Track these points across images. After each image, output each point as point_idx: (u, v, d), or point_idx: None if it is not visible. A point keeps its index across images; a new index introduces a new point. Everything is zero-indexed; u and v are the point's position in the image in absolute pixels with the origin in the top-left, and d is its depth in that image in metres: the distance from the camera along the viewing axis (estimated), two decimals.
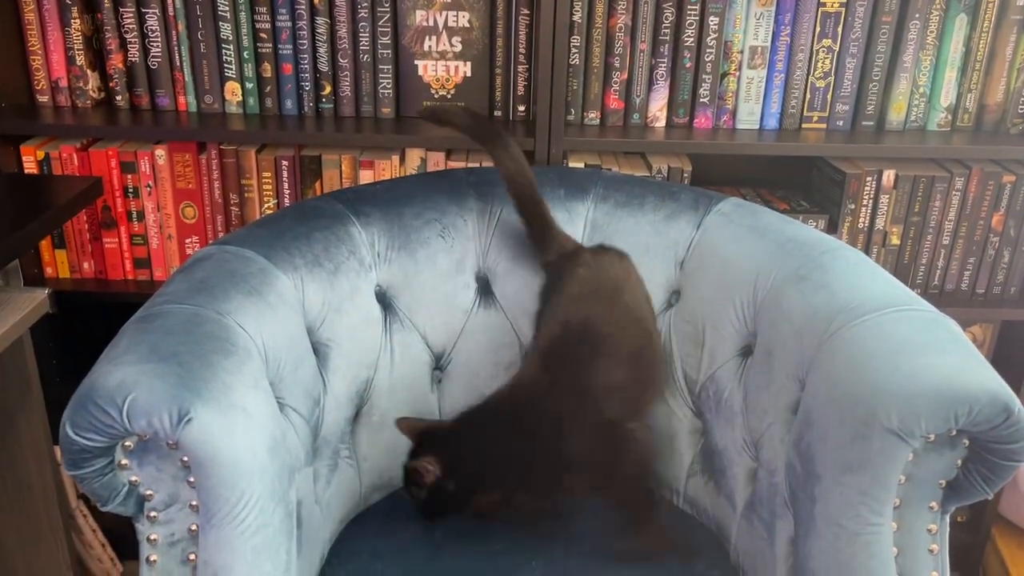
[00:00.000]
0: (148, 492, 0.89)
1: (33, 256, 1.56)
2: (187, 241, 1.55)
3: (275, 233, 1.14)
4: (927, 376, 0.88)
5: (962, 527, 1.73)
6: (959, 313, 1.44)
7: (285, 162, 1.50)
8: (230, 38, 1.48)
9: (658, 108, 1.51)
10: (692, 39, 1.46)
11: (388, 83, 1.51)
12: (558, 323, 1.12)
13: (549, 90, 1.42)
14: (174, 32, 1.49)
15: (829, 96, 1.50)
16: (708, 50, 1.46)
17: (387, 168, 1.50)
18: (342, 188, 1.47)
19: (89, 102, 1.54)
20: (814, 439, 0.95)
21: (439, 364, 1.28)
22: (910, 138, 1.50)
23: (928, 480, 0.91)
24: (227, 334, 0.95)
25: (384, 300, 1.23)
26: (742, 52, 1.48)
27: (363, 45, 1.49)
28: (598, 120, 1.52)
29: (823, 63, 1.48)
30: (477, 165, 1.47)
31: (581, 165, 1.49)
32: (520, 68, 1.50)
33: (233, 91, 1.52)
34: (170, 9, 1.47)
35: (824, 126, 1.52)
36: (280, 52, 1.49)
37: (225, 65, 1.50)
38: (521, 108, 1.53)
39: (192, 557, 0.90)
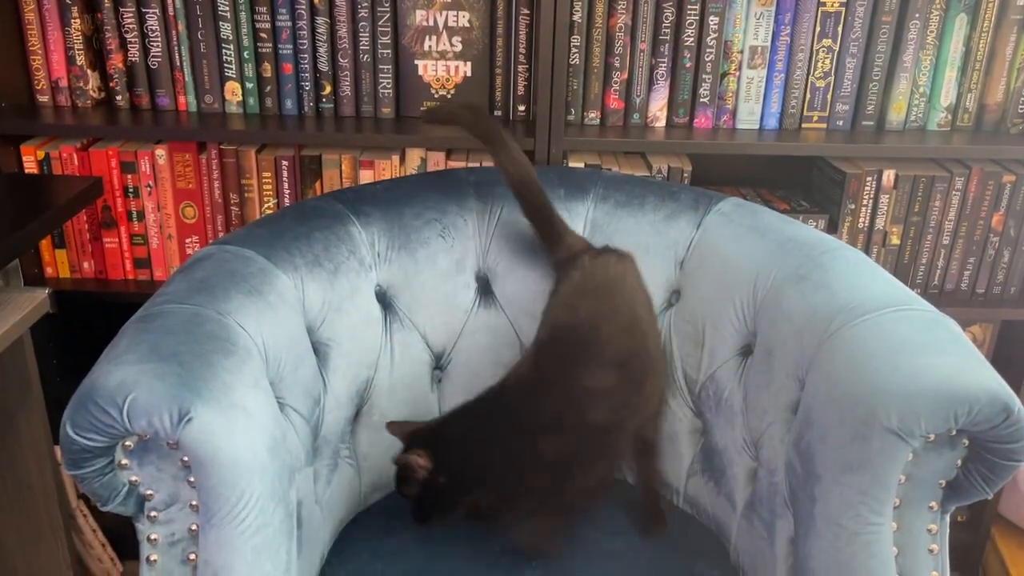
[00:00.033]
0: (148, 492, 0.89)
1: (33, 256, 1.56)
2: (187, 241, 1.55)
3: (275, 233, 1.14)
4: (927, 376, 0.88)
5: (962, 527, 1.73)
6: (959, 313, 1.45)
7: (285, 162, 1.50)
8: (230, 38, 1.48)
9: (658, 108, 1.51)
10: (692, 39, 1.46)
11: (388, 83, 1.51)
12: (548, 324, 1.12)
13: (549, 90, 1.42)
14: (174, 32, 1.49)
15: (829, 96, 1.50)
16: (708, 50, 1.46)
17: (387, 168, 1.50)
18: (342, 188, 1.47)
19: (89, 102, 1.54)
20: (814, 439, 0.95)
21: (439, 364, 1.29)
22: (910, 138, 1.50)
23: (928, 480, 0.91)
24: (227, 334, 0.95)
25: (384, 300, 1.23)
26: (742, 52, 1.48)
27: (363, 45, 1.49)
28: (598, 120, 1.52)
29: (823, 63, 1.48)
30: (477, 165, 1.47)
31: (581, 165, 1.49)
32: (520, 68, 1.50)
33: (233, 91, 1.52)
34: (170, 9, 1.47)
35: (824, 126, 1.52)
36: (280, 52, 1.49)
37: (225, 65, 1.50)
38: (521, 108, 1.53)
39: (192, 557, 0.90)
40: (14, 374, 1.29)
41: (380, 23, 1.48)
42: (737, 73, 1.49)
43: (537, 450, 1.05)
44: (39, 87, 1.53)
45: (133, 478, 0.89)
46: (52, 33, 1.49)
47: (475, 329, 1.28)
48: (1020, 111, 1.50)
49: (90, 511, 1.64)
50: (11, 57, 1.50)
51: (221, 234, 1.54)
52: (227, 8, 1.46)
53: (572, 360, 1.07)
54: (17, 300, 1.21)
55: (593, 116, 1.52)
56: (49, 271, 1.58)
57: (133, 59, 1.51)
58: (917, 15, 1.44)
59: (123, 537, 1.64)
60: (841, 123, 1.52)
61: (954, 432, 0.88)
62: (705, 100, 1.50)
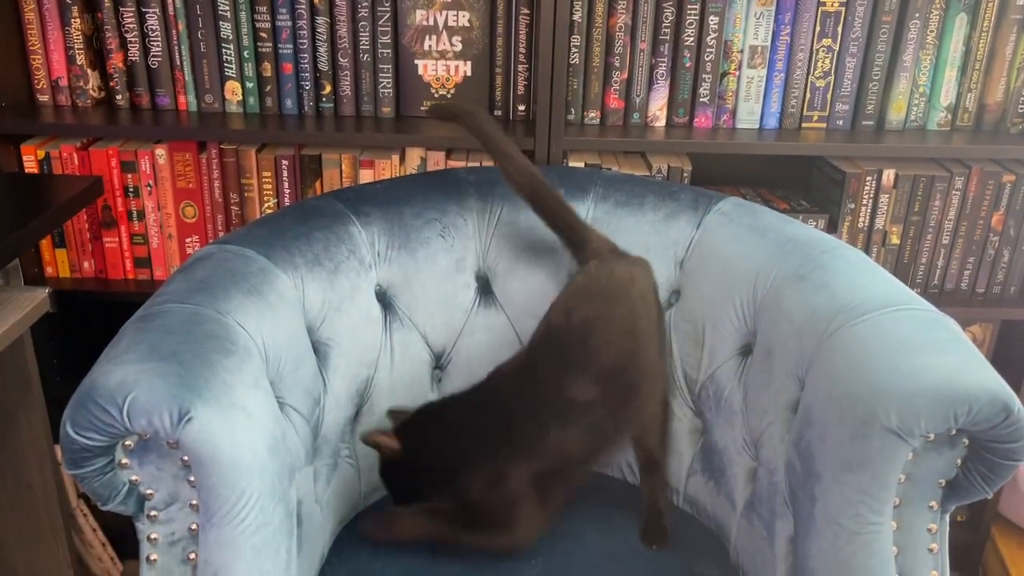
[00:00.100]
0: (148, 491, 0.89)
1: (33, 255, 1.56)
2: (187, 240, 1.55)
3: (275, 232, 1.15)
4: (927, 375, 0.88)
5: (962, 526, 1.73)
6: (959, 313, 1.45)
7: (285, 161, 1.50)
8: (230, 37, 1.48)
9: (658, 108, 1.51)
10: (692, 39, 1.46)
11: (388, 82, 1.51)
12: (544, 323, 1.12)
13: (549, 89, 1.42)
14: (174, 31, 1.49)
15: (829, 96, 1.50)
16: (708, 50, 1.46)
17: (387, 168, 1.50)
18: (342, 187, 1.47)
19: (89, 101, 1.54)
20: (814, 438, 0.95)
21: (439, 363, 1.29)
22: (910, 138, 1.50)
23: (928, 479, 0.91)
24: (227, 333, 0.95)
25: (384, 299, 1.23)
26: (742, 52, 1.48)
27: (363, 44, 1.49)
28: (598, 120, 1.52)
29: (823, 62, 1.48)
30: (477, 164, 1.47)
31: (581, 165, 1.49)
32: (520, 67, 1.51)
33: (233, 90, 1.52)
34: (170, 8, 1.47)
35: (824, 125, 1.52)
36: (280, 51, 1.49)
37: (225, 64, 1.50)
38: (521, 107, 1.53)
39: (192, 556, 0.90)
40: (14, 373, 1.29)
41: (380, 23, 1.48)
42: (737, 73, 1.49)
43: (514, 447, 1.05)
44: (39, 86, 1.53)
45: (133, 477, 0.89)
46: (52, 33, 1.49)
47: (475, 329, 1.28)
48: (1020, 111, 1.50)
49: (90, 510, 1.64)
50: (11, 57, 1.50)
51: (221, 234, 1.54)
52: (227, 8, 1.46)
53: (560, 364, 1.06)
54: (17, 299, 1.21)
55: (593, 116, 1.52)
56: (49, 270, 1.58)
57: (133, 59, 1.51)
58: (917, 15, 1.44)
59: (123, 536, 1.64)
60: (841, 123, 1.52)
61: (954, 432, 0.88)
62: (705, 100, 1.50)
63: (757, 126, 1.52)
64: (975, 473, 0.90)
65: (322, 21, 1.47)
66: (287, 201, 1.52)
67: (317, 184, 1.52)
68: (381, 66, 1.51)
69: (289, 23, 1.47)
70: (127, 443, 0.87)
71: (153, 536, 0.90)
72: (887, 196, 1.50)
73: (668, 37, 1.47)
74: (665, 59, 1.48)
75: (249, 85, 1.52)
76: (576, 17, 1.44)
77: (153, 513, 0.90)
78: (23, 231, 1.11)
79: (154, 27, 1.48)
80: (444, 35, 1.50)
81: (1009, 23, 1.46)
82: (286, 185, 1.51)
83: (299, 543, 0.99)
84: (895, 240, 1.53)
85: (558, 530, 1.14)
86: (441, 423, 1.10)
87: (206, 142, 1.50)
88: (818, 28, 1.46)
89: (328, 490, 1.12)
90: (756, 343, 1.12)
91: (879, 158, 1.51)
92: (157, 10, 1.47)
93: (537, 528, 1.08)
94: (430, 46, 1.51)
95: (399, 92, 1.54)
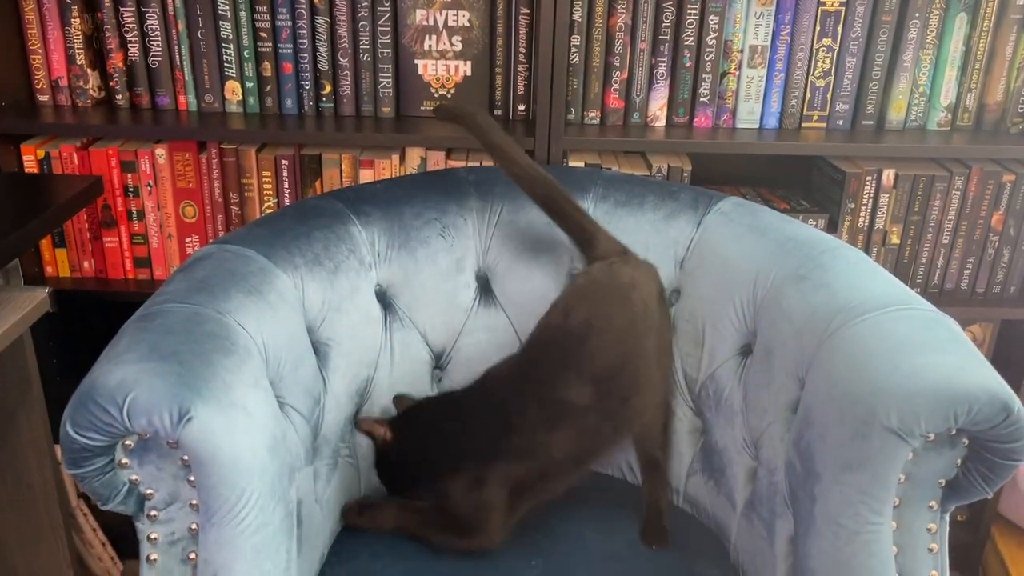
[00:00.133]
0: (148, 491, 0.89)
1: (33, 255, 1.56)
2: (187, 240, 1.55)
3: (275, 232, 1.15)
4: (927, 375, 0.88)
5: (962, 526, 1.73)
6: (959, 312, 1.45)
7: (285, 161, 1.50)
8: (230, 37, 1.48)
9: (658, 107, 1.51)
10: (692, 38, 1.46)
11: (388, 82, 1.51)
12: (541, 324, 1.12)
13: (549, 89, 1.42)
14: (174, 31, 1.49)
15: (829, 95, 1.50)
16: (708, 49, 1.46)
17: (387, 167, 1.50)
18: (342, 187, 1.47)
19: (89, 101, 1.54)
20: (814, 438, 0.95)
21: (439, 363, 1.29)
22: (910, 137, 1.50)
23: (928, 479, 0.91)
24: (227, 333, 0.95)
25: (384, 299, 1.23)
26: (742, 51, 1.48)
27: (363, 44, 1.49)
28: (598, 119, 1.52)
29: (823, 62, 1.48)
30: (477, 164, 1.47)
31: (581, 164, 1.49)
32: (520, 67, 1.50)
33: (233, 90, 1.52)
34: (170, 8, 1.47)
35: (824, 125, 1.52)
36: (280, 51, 1.49)
37: (225, 64, 1.50)
38: (521, 107, 1.53)
39: (192, 556, 0.90)
40: (14, 373, 1.29)
41: (380, 22, 1.48)
42: (737, 72, 1.49)
43: (500, 447, 1.05)
44: (39, 86, 1.53)
45: (133, 477, 0.89)
46: (52, 32, 1.49)
47: (475, 328, 1.28)
48: (1020, 110, 1.50)
49: (90, 510, 1.64)
50: (11, 56, 1.50)
51: (221, 233, 1.54)
52: (227, 7, 1.46)
53: (554, 365, 1.06)
54: (17, 299, 1.21)
55: (593, 115, 1.52)
56: (49, 270, 1.58)
57: (133, 58, 1.51)
58: (917, 14, 1.44)
59: (123, 536, 1.64)
60: (841, 122, 1.52)
61: (954, 431, 0.88)
62: (705, 99, 1.50)
63: (757, 126, 1.52)
64: (975, 473, 0.90)
65: (322, 21, 1.47)
66: (287, 201, 1.52)
67: (317, 184, 1.52)
68: (381, 66, 1.51)
69: (289, 23, 1.47)
70: (127, 443, 0.87)
71: (153, 536, 0.90)
72: (887, 196, 1.50)
73: (668, 37, 1.47)
74: (665, 59, 1.48)
75: (249, 85, 1.52)
76: (576, 17, 1.44)
77: (153, 513, 0.90)
78: (23, 231, 1.11)
79: (154, 27, 1.48)
80: (444, 35, 1.50)
81: (1009, 23, 1.46)
82: (286, 185, 1.51)
83: (299, 543, 0.99)
84: (895, 240, 1.53)
85: (558, 530, 1.14)
86: (431, 420, 1.11)
87: (206, 142, 1.50)
88: (818, 28, 1.46)
89: (328, 490, 1.12)
90: (756, 343, 1.12)
91: (879, 158, 1.51)
92: (157, 10, 1.47)
93: (500, 535, 1.08)
94: (430, 46, 1.51)
95: (399, 92, 1.54)
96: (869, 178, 1.49)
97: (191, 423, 0.84)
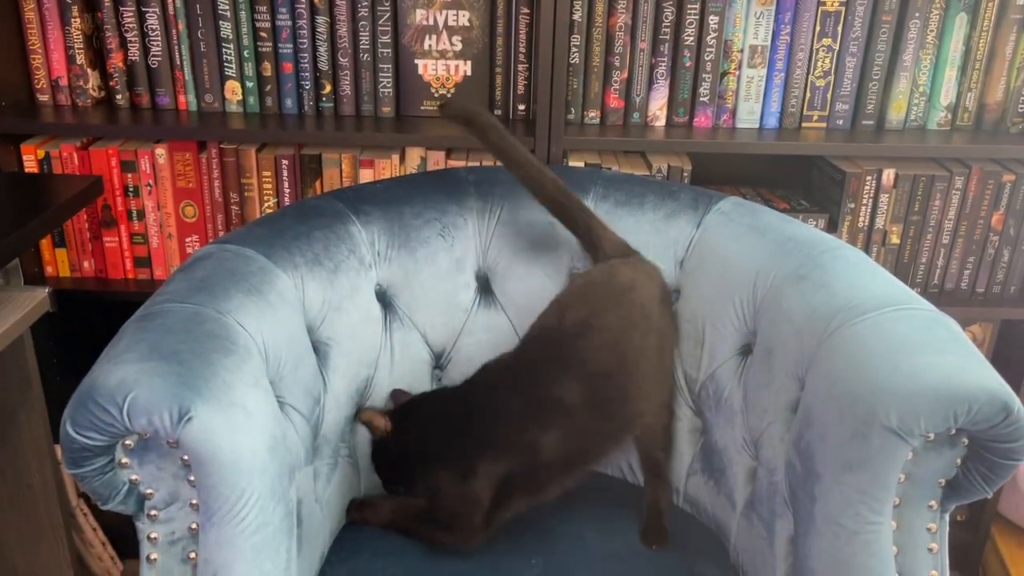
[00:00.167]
0: (148, 491, 0.89)
1: (33, 255, 1.56)
2: (187, 240, 1.55)
3: (275, 232, 1.15)
4: (927, 375, 0.88)
5: (961, 526, 1.73)
6: (959, 312, 1.45)
7: (285, 161, 1.50)
8: (230, 37, 1.48)
9: (658, 107, 1.51)
10: (692, 38, 1.46)
11: (388, 82, 1.51)
12: (537, 324, 1.12)
13: (549, 89, 1.42)
14: (174, 31, 1.49)
15: (829, 95, 1.50)
16: (708, 49, 1.46)
17: (387, 167, 1.50)
18: (342, 187, 1.47)
19: (89, 101, 1.54)
20: (814, 438, 0.95)
21: (439, 363, 1.29)
22: (910, 137, 1.50)
23: (927, 479, 0.91)
24: (227, 333, 0.95)
25: (384, 299, 1.23)
26: (742, 51, 1.48)
27: (363, 44, 1.49)
28: (598, 119, 1.52)
29: (823, 62, 1.48)
30: (477, 164, 1.47)
31: (581, 164, 1.49)
32: (520, 67, 1.50)
33: (233, 90, 1.52)
34: (170, 8, 1.48)
35: (824, 125, 1.52)
36: (280, 51, 1.49)
37: (225, 64, 1.50)
38: (521, 107, 1.53)
39: (192, 555, 0.90)
40: (14, 373, 1.29)
41: (380, 22, 1.48)
42: (737, 72, 1.49)
43: (489, 444, 1.05)
44: (39, 86, 1.53)
45: (133, 477, 0.89)
46: (52, 32, 1.49)
47: (475, 328, 1.28)
48: (1020, 110, 1.50)
49: (90, 510, 1.64)
50: (11, 56, 1.50)
51: (221, 233, 1.54)
52: (227, 7, 1.46)
53: (547, 364, 1.06)
54: (17, 299, 1.21)
55: (593, 115, 1.52)
56: (49, 270, 1.58)
57: (133, 58, 1.51)
58: (917, 14, 1.44)
59: (123, 536, 1.64)
60: (841, 122, 1.52)
61: (954, 431, 0.88)
62: (705, 99, 1.50)
63: (757, 126, 1.52)
64: (975, 473, 0.90)
65: (322, 21, 1.47)
66: (287, 201, 1.52)
67: (317, 184, 1.52)
68: (381, 66, 1.51)
69: (289, 23, 1.47)
70: (127, 442, 0.87)
71: (153, 535, 0.90)
72: (887, 196, 1.50)
73: (668, 37, 1.47)
74: (665, 59, 1.48)
75: (249, 85, 1.52)
76: (576, 17, 1.44)
77: (153, 512, 0.90)
78: (23, 231, 1.11)
79: (154, 27, 1.48)
80: (444, 35, 1.50)
81: (1009, 23, 1.46)
82: (286, 185, 1.51)
83: (299, 543, 0.99)
84: (895, 240, 1.53)
85: (558, 530, 1.14)
86: (428, 414, 1.11)
87: (206, 142, 1.50)
88: (818, 28, 1.46)
89: (328, 489, 1.12)
90: (756, 343, 1.12)
91: (879, 158, 1.51)
92: (157, 10, 1.47)
93: (478, 536, 1.09)
94: (430, 46, 1.51)
95: (399, 92, 1.54)
96: (869, 178, 1.49)
97: (191, 423, 0.84)
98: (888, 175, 1.49)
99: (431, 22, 1.49)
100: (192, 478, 0.88)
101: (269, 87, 1.51)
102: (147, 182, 1.51)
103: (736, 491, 1.13)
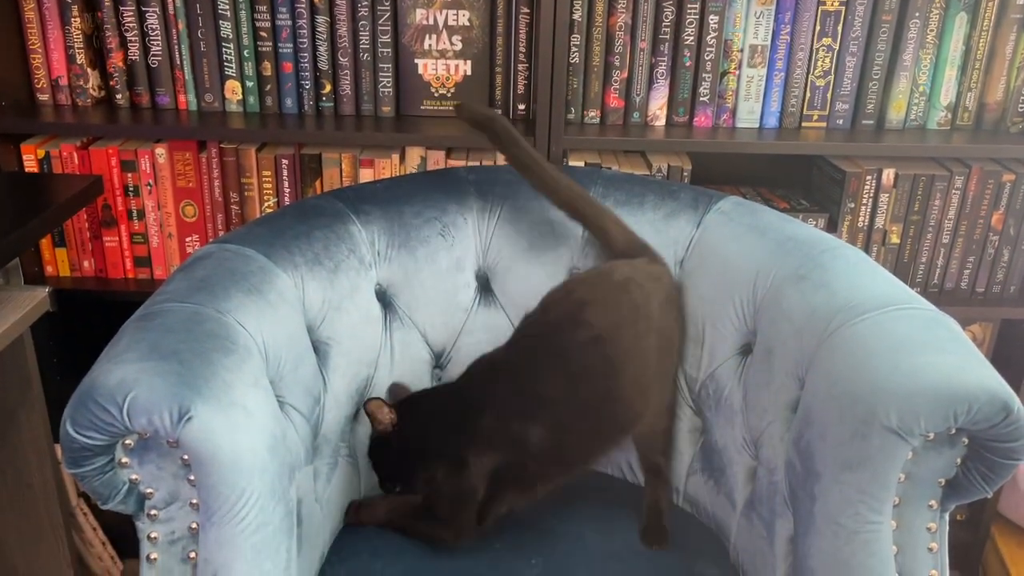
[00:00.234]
0: (148, 490, 0.89)
1: (33, 254, 1.56)
2: (187, 240, 1.55)
3: (275, 232, 1.15)
4: (927, 375, 0.88)
5: (961, 526, 1.73)
6: (959, 312, 1.45)
7: (285, 161, 1.50)
8: (230, 36, 1.48)
9: (658, 107, 1.51)
10: (692, 38, 1.46)
11: (388, 82, 1.51)
12: (525, 320, 1.13)
13: (549, 89, 1.42)
14: (174, 30, 1.49)
15: (829, 95, 1.50)
16: (708, 49, 1.46)
17: (387, 167, 1.50)
18: (342, 187, 1.47)
19: (89, 100, 1.54)
20: (814, 437, 0.95)
21: (439, 362, 1.29)
22: (910, 137, 1.50)
23: (927, 478, 0.91)
24: (227, 332, 0.95)
25: (384, 298, 1.23)
26: (742, 51, 1.48)
27: (363, 44, 1.49)
28: (598, 119, 1.52)
29: (823, 62, 1.48)
30: (477, 163, 1.47)
31: (581, 164, 1.50)
32: (520, 67, 1.50)
33: (233, 89, 1.52)
34: (170, 7, 1.48)
35: (824, 125, 1.52)
36: (280, 51, 1.49)
37: (225, 63, 1.50)
38: (521, 107, 1.53)
39: (192, 555, 0.90)
40: (14, 372, 1.29)
41: (380, 22, 1.48)
42: (737, 72, 1.49)
43: (479, 439, 1.06)
44: (39, 86, 1.53)
45: (133, 476, 0.89)
46: (52, 32, 1.49)
47: (475, 328, 1.28)
48: (1020, 110, 1.50)
49: (90, 509, 1.64)
50: (11, 56, 1.50)
51: (221, 233, 1.54)
52: (227, 7, 1.46)
53: (533, 360, 1.07)
54: (17, 298, 1.21)
55: (593, 115, 1.52)
56: (49, 270, 1.58)
57: (133, 58, 1.51)
58: (917, 14, 1.44)
59: (123, 535, 1.64)
60: (841, 122, 1.52)
61: (953, 431, 0.88)
62: (705, 99, 1.50)
63: (757, 125, 1.52)
64: (975, 472, 0.90)
65: (322, 20, 1.47)
66: (287, 200, 1.52)
67: (317, 183, 1.52)
68: (381, 65, 1.51)
69: (289, 22, 1.47)
70: (127, 442, 0.87)
71: (153, 535, 0.90)
72: (887, 195, 1.50)
73: (668, 36, 1.47)
74: (665, 58, 1.48)
75: (249, 84, 1.52)
76: (576, 16, 1.44)
77: (153, 512, 0.90)
78: (23, 230, 1.11)
79: (154, 26, 1.48)
80: (444, 34, 1.50)
81: (1009, 22, 1.46)
82: (286, 184, 1.51)
83: (299, 542, 0.99)
84: (895, 239, 1.53)
85: (558, 530, 1.14)
86: (428, 409, 1.11)
87: (206, 141, 1.50)
88: (818, 27, 1.46)
89: (328, 489, 1.12)
90: (756, 342, 1.12)
91: (879, 157, 1.51)
92: (157, 9, 1.47)
93: (469, 535, 1.09)
94: (430, 45, 1.51)
95: (399, 91, 1.54)
96: (869, 177, 1.49)
97: (191, 422, 0.84)
98: (888, 175, 1.49)
99: (431, 22, 1.49)
100: (192, 478, 0.88)
101: (269, 87, 1.51)
102: (147, 182, 1.51)
103: (736, 491, 1.13)
